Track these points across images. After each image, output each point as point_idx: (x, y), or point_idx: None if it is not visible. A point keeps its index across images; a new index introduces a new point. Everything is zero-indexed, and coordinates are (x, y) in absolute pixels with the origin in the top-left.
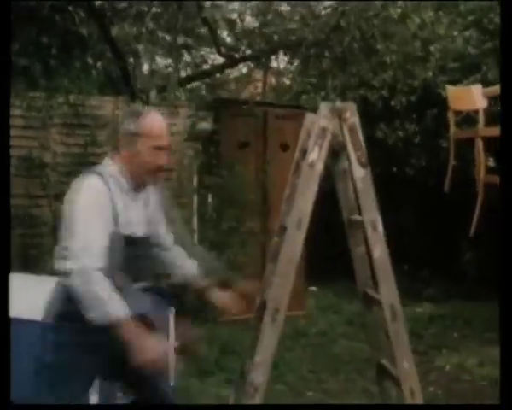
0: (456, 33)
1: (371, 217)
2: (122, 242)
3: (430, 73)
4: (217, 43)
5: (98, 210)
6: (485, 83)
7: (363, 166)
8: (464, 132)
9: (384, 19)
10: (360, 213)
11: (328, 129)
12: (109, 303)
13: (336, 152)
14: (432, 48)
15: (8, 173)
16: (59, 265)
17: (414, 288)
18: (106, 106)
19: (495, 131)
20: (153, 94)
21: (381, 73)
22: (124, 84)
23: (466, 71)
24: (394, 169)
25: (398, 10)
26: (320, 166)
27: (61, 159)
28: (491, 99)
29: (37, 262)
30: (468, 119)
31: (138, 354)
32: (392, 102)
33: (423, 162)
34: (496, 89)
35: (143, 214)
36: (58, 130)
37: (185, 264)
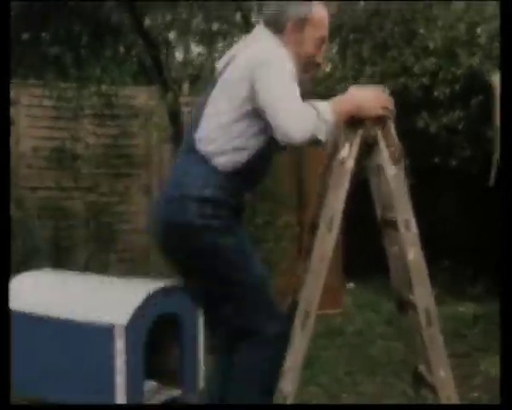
0: None
1: (404, 217)
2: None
3: (476, 59)
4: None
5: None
6: None
7: (395, 163)
8: None
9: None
10: (394, 212)
11: (359, 124)
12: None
13: (370, 145)
14: (478, 30)
15: (9, 175)
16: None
17: (457, 285)
18: (139, 96)
19: None
20: (185, 86)
21: (423, 59)
22: (156, 75)
23: None
24: (436, 159)
25: None
26: (351, 164)
27: (94, 150)
28: None
29: (69, 255)
30: None
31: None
32: (435, 92)
33: (467, 151)
34: None
35: None
36: (90, 121)
37: None
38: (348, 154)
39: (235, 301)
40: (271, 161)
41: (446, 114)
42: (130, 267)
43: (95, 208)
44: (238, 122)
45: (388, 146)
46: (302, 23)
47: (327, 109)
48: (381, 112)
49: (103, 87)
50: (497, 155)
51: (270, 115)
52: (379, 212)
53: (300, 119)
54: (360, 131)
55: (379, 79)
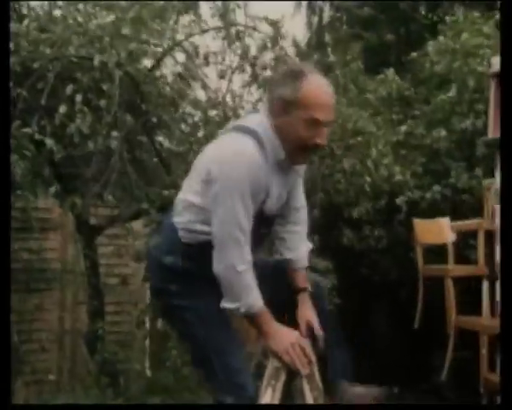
0: (424, 132)
1: None
2: (260, 220)
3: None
4: None
5: (245, 192)
6: (455, 190)
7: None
8: (433, 270)
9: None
10: None
11: (282, 368)
12: (248, 295)
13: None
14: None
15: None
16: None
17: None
18: (54, 209)
19: (465, 270)
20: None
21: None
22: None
23: (435, 175)
24: (364, 272)
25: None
26: None
27: None
28: (460, 234)
29: None
30: (437, 253)
31: (272, 341)
32: (356, 213)
33: (394, 272)
34: (463, 224)
35: (283, 193)
36: None
37: (296, 247)
38: (271, 400)
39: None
40: None
41: (371, 233)
42: (37, 390)
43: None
44: (197, 207)
45: (312, 390)
46: (288, 105)
47: (258, 300)
48: (285, 359)
49: (15, 199)
50: (421, 300)
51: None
52: None
53: (227, 265)
54: (283, 377)
55: None
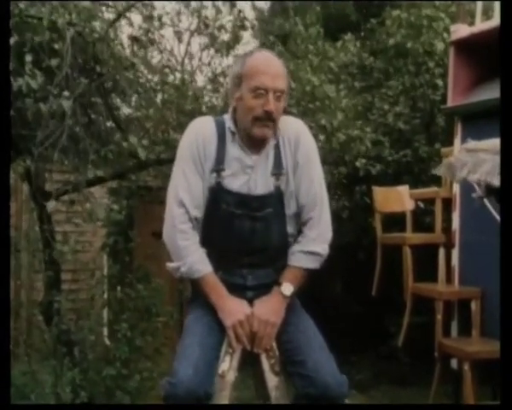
0: (386, 107)
1: None
2: (228, 197)
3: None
4: None
5: (191, 156)
6: (416, 158)
7: (276, 374)
8: (392, 238)
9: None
10: None
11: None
12: (189, 255)
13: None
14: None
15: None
16: None
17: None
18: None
19: (422, 238)
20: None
21: None
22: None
23: (396, 146)
24: None
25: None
26: (232, 376)
27: None
28: (418, 202)
29: None
30: (396, 221)
31: (221, 314)
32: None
33: (352, 238)
34: (422, 192)
35: (263, 175)
36: None
37: (296, 252)
38: (229, 367)
39: None
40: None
41: (333, 199)
42: None
43: None
44: None
45: (269, 358)
46: (238, 80)
47: (201, 264)
48: (230, 334)
49: None
50: (379, 267)
51: None
52: None
53: (169, 226)
54: (241, 346)
55: None
